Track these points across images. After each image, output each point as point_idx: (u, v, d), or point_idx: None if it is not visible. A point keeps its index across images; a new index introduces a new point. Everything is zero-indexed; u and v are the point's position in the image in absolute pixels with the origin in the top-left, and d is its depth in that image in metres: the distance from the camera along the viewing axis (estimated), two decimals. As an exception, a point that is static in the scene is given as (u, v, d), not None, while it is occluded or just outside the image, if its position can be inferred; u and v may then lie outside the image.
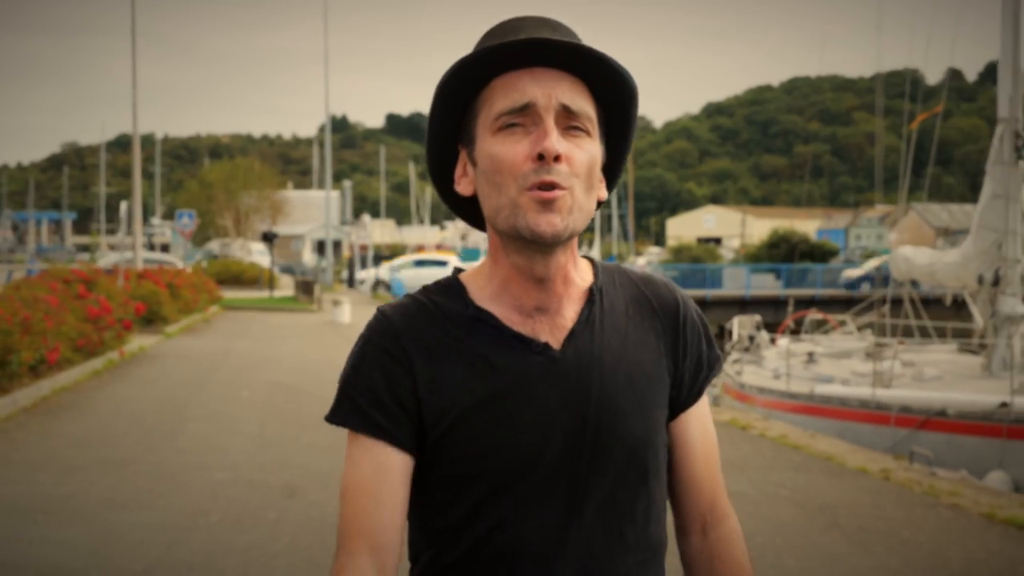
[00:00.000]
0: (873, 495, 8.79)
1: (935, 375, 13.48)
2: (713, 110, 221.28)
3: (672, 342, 1.75)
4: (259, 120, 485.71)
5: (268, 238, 42.64)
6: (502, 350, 1.65)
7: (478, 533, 1.64)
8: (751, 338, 18.64)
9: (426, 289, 1.75)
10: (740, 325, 19.12)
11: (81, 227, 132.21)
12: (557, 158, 1.57)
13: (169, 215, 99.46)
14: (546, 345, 1.66)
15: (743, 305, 42.71)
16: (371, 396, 1.65)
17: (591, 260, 1.79)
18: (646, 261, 75.88)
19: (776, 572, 6.31)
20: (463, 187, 1.71)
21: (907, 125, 17.37)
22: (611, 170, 1.74)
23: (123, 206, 28.15)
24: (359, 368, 1.67)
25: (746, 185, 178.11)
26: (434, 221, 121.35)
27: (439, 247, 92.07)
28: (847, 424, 12.79)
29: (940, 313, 19.19)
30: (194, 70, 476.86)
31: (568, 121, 1.61)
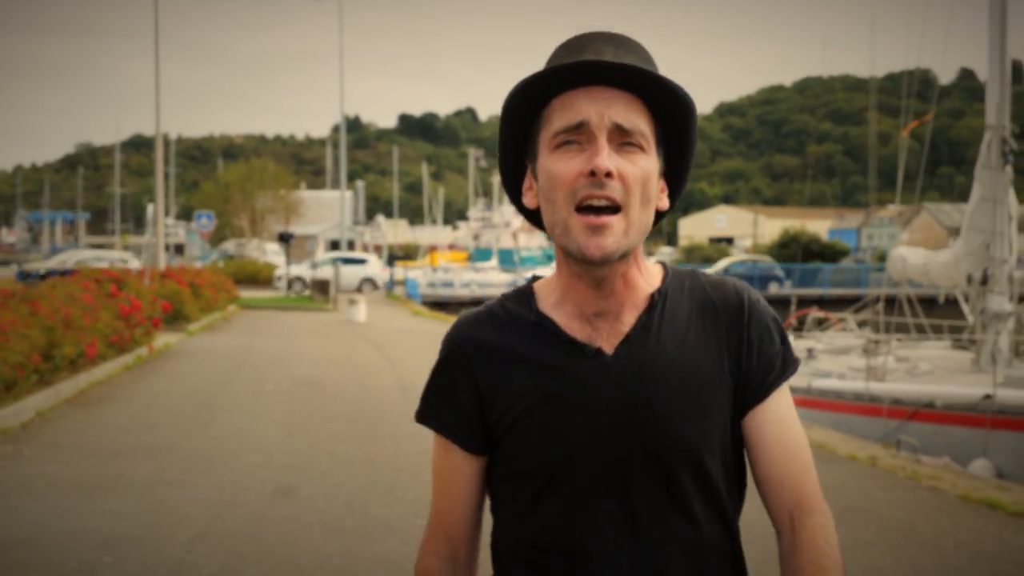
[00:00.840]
0: (859, 479, 9.46)
1: (927, 370, 14.15)
2: (725, 110, 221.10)
3: (736, 342, 1.78)
4: (272, 120, 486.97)
5: (284, 239, 43.37)
6: (557, 354, 1.75)
7: (535, 527, 1.75)
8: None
9: (504, 295, 1.88)
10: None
11: (95, 227, 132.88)
12: (609, 174, 1.65)
13: (183, 215, 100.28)
14: (599, 350, 1.74)
15: (784, 305, 43.24)
16: (442, 399, 1.84)
17: (664, 265, 1.85)
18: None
19: (760, 543, 6.98)
20: (528, 200, 1.80)
21: (902, 130, 17.91)
22: (675, 181, 1.81)
23: (150, 208, 28.83)
24: (437, 371, 1.85)
25: (758, 185, 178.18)
26: (447, 221, 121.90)
27: (452, 247, 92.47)
28: (842, 416, 13.45)
29: (937, 312, 19.84)
30: (207, 70, 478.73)
31: (622, 138, 1.68)
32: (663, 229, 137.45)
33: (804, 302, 31.53)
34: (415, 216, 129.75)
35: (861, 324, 19.36)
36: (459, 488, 1.83)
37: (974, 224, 14.02)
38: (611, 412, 1.71)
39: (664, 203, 1.78)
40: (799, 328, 20.23)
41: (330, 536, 6.75)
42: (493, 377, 1.77)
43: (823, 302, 39.73)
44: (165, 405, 12.22)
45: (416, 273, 53.63)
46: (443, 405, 1.83)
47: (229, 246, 69.17)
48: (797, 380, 15.03)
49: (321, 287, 38.37)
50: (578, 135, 1.67)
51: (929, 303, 20.84)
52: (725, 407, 1.75)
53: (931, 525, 7.79)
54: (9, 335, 10.66)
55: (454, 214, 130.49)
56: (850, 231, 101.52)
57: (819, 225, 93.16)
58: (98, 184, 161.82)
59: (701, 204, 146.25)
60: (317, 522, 7.10)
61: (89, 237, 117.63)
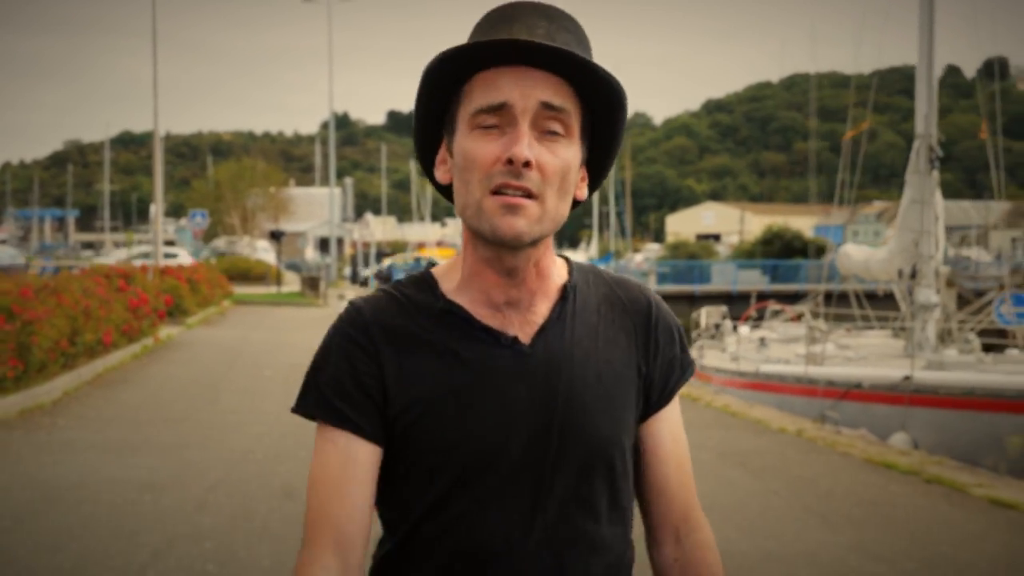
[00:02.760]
0: (782, 446, 10.93)
1: (862, 355, 15.67)
2: (713, 107, 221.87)
3: (643, 342, 1.75)
4: (260, 117, 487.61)
5: (276, 236, 44.80)
6: (471, 343, 1.65)
7: (440, 526, 1.64)
8: (716, 326, 20.82)
9: (398, 283, 1.75)
10: (707, 315, 21.30)
11: (84, 224, 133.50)
12: (527, 164, 1.56)
13: (173, 212, 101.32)
14: (515, 339, 1.66)
15: (730, 299, 44.73)
16: (337, 386, 1.65)
17: (567, 259, 1.79)
18: (643, 258, 77.48)
19: (728, 506, 8.42)
20: (441, 174, 1.70)
21: (846, 135, 19.41)
22: (596, 170, 1.73)
23: (152, 208, 30.09)
24: (327, 358, 1.68)
25: (745, 182, 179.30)
26: (435, 218, 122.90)
27: (440, 244, 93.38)
28: (784, 397, 14.94)
29: (884, 305, 21.36)
30: (196, 67, 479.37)
31: (546, 122, 1.59)
32: (650, 225, 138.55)
33: (783, 297, 32.98)
34: (404, 213, 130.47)
35: (816, 316, 20.86)
36: (357, 484, 1.64)
37: (905, 224, 15.53)
38: (529, 406, 1.64)
39: (583, 193, 1.70)
40: (759, 319, 21.72)
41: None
42: (400, 365, 1.65)
43: (798, 297, 41.25)
44: (175, 387, 13.65)
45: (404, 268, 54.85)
46: (338, 394, 1.66)
47: (220, 243, 70.54)
48: (747, 365, 16.54)
49: (311, 283, 39.81)
50: (498, 117, 1.59)
51: (886, 297, 22.30)
52: (632, 406, 1.73)
53: (831, 480, 9.27)
54: (43, 323, 12.10)
55: (443, 211, 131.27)
56: (837, 227, 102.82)
57: (805, 222, 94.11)
58: (87, 181, 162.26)
59: (688, 201, 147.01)
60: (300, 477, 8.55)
61: (78, 234, 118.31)
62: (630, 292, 1.79)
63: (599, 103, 1.64)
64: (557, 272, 1.74)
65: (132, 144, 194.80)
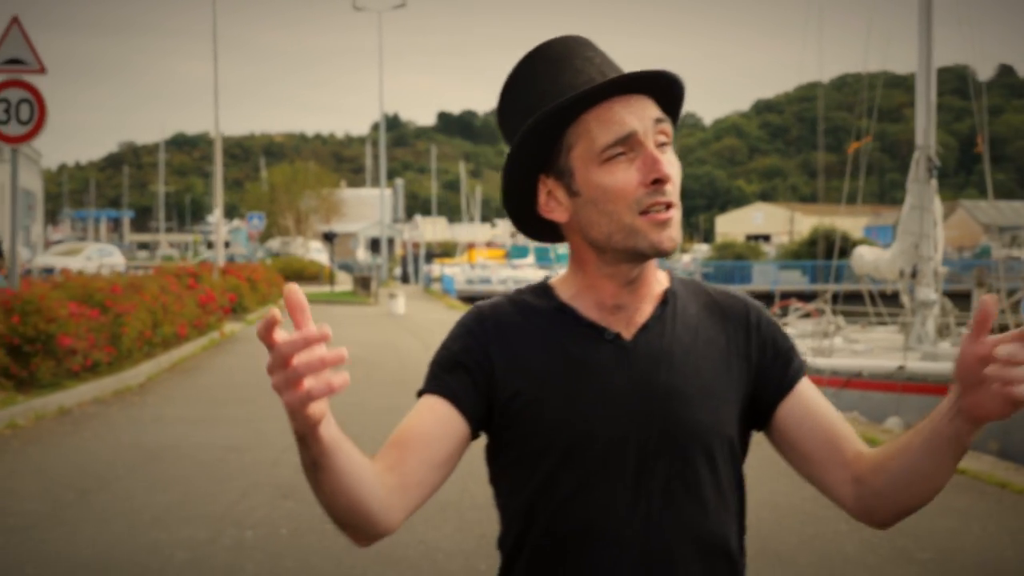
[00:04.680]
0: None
1: (867, 348, 17.07)
2: (763, 107, 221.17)
3: (744, 342, 1.85)
4: (312, 118, 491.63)
5: (329, 238, 46.54)
6: (577, 338, 1.79)
7: (549, 506, 1.76)
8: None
9: (519, 290, 1.90)
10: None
11: (139, 225, 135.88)
12: (669, 180, 1.73)
13: (226, 214, 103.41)
14: (618, 335, 1.79)
15: (769, 299, 45.96)
16: (446, 364, 1.81)
17: (668, 271, 1.92)
18: (691, 258, 78.47)
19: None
20: (558, 215, 1.81)
21: (851, 145, 20.74)
22: None
23: (216, 213, 31.84)
24: (445, 345, 1.85)
25: (796, 182, 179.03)
26: (485, 219, 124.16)
27: (489, 244, 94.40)
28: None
29: (897, 302, 22.71)
30: (247, 69, 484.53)
31: (658, 136, 1.75)
32: (700, 226, 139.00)
33: (808, 296, 34.18)
34: (453, 214, 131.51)
35: (835, 313, 22.21)
36: (436, 438, 1.76)
37: (906, 228, 16.91)
38: (629, 395, 1.75)
39: None
40: (782, 316, 23.11)
41: (379, 447, 9.78)
42: (511, 356, 1.79)
43: (835, 297, 42.36)
44: (243, 373, 15.31)
45: (454, 270, 56.33)
46: (447, 370, 1.81)
47: (274, 244, 72.57)
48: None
49: (363, 283, 41.56)
50: (625, 146, 1.72)
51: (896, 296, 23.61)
52: (733, 402, 1.81)
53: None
54: (130, 316, 13.83)
55: (492, 212, 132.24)
56: (886, 227, 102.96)
57: (854, 222, 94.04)
58: (141, 182, 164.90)
59: (738, 201, 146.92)
60: (369, 439, 10.11)
61: (133, 235, 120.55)
62: (729, 299, 1.90)
63: (671, 106, 1.82)
64: (659, 280, 1.87)
65: (185, 145, 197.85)
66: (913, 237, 16.73)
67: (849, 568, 6.61)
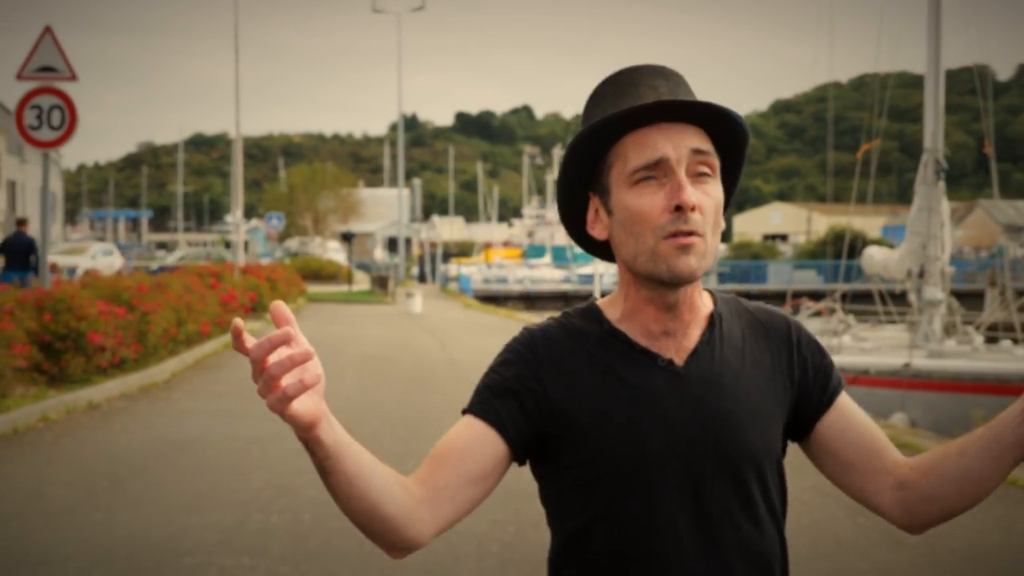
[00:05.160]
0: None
1: (875, 346, 17.40)
2: (781, 107, 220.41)
3: (787, 359, 1.89)
4: (330, 119, 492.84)
5: (347, 238, 46.96)
6: (631, 364, 1.82)
7: (611, 532, 1.79)
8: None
9: (567, 312, 1.93)
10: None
11: (158, 225, 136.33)
12: (692, 208, 1.74)
13: (245, 213, 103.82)
14: (670, 361, 1.82)
15: (782, 298, 46.18)
16: (499, 389, 1.82)
17: (711, 292, 1.94)
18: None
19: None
20: (598, 232, 1.87)
21: (860, 149, 21.05)
22: (726, 200, 1.89)
23: (236, 213, 32.30)
24: (495, 368, 1.86)
25: (813, 182, 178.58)
26: (502, 218, 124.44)
27: (507, 244, 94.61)
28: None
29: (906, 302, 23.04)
30: (265, 69, 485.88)
31: (697, 167, 1.78)
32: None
33: (819, 296, 34.41)
34: (471, 213, 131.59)
35: (848, 313, 22.52)
36: (473, 458, 1.79)
37: (914, 228, 17.27)
38: (685, 420, 1.79)
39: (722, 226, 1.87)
40: (794, 314, 23.48)
41: (396, 443, 10.17)
42: (565, 381, 1.81)
43: (847, 297, 42.60)
44: (264, 371, 15.73)
45: (471, 269, 56.61)
46: (496, 394, 1.82)
47: (292, 244, 73.11)
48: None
49: (380, 282, 41.97)
50: (656, 171, 1.76)
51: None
52: (779, 419, 1.87)
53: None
54: (156, 314, 14.27)
55: (509, 211, 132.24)
56: (903, 228, 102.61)
57: (873, 222, 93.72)
58: (160, 182, 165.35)
59: (756, 201, 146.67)
60: (387, 435, 10.53)
61: (151, 235, 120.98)
62: (770, 317, 1.95)
63: (727, 142, 1.84)
64: (704, 303, 1.90)
65: (204, 146, 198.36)
66: (921, 238, 17.07)
67: (841, 552, 6.97)
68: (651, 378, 1.81)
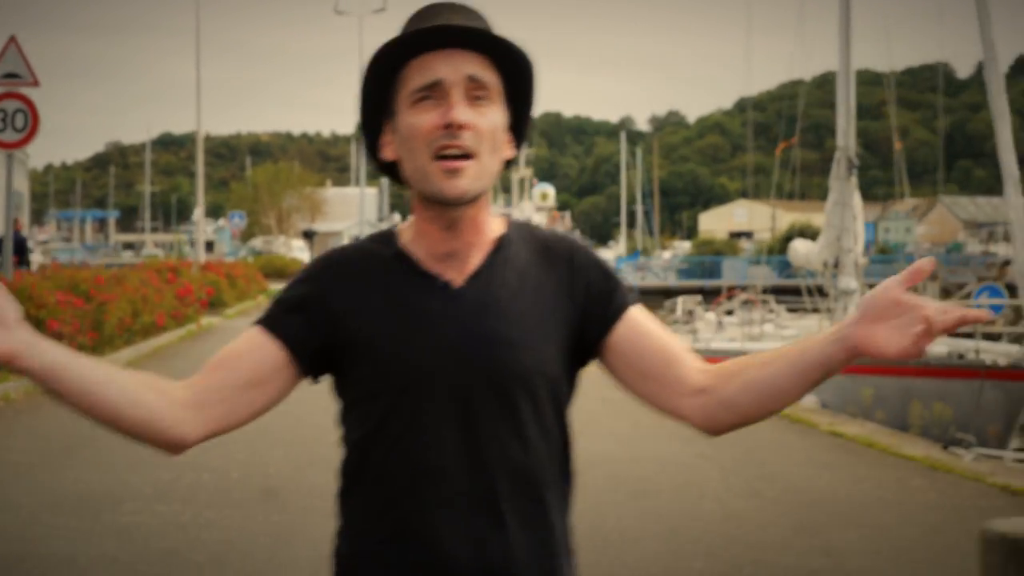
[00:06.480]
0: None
1: (795, 334, 18.53)
2: (745, 105, 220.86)
3: (569, 283, 1.95)
4: (298, 117, 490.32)
5: (308, 235, 47.74)
6: (411, 285, 1.90)
7: (384, 445, 1.89)
8: (690, 312, 23.68)
9: (370, 236, 2.02)
10: (683, 303, 24.20)
11: (125, 225, 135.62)
12: (461, 126, 1.83)
13: (212, 213, 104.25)
14: (448, 283, 1.90)
15: (718, 291, 47.33)
16: (288, 305, 1.94)
17: (506, 216, 2.03)
18: (671, 255, 79.69)
19: (609, 429, 11.18)
20: (387, 152, 1.95)
21: (777, 148, 22.18)
22: (518, 131, 1.99)
23: (198, 211, 33.12)
24: (290, 286, 1.97)
25: (778, 179, 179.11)
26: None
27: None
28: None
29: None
30: (233, 68, 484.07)
31: (474, 91, 1.86)
32: (683, 223, 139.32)
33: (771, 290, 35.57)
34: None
35: (780, 303, 23.65)
36: (246, 364, 1.90)
37: (829, 222, 18.40)
38: (458, 341, 1.86)
39: (511, 152, 1.96)
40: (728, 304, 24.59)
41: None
42: (350, 300, 1.90)
43: (798, 291, 43.80)
44: (216, 359, 16.69)
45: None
46: (287, 315, 1.92)
47: (257, 242, 73.74)
48: (702, 344, 19.42)
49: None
50: (433, 91, 1.85)
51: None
52: (558, 341, 1.92)
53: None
54: (112, 305, 15.24)
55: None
56: (867, 224, 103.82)
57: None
58: (128, 182, 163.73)
59: (721, 199, 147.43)
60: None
61: (119, 235, 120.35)
62: (557, 242, 2.00)
63: (515, 73, 1.93)
64: (494, 227, 1.96)
65: (172, 145, 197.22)
66: (836, 231, 18.18)
67: (704, 502, 7.97)
68: (428, 299, 1.89)
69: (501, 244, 1.95)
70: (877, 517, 7.59)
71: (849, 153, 18.08)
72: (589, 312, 1.96)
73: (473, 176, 1.86)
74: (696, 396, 1.92)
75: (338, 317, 1.90)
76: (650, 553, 6.59)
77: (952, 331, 1.74)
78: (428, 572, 1.85)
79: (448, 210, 1.88)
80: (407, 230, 1.97)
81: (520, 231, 2.00)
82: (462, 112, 1.84)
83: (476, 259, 1.93)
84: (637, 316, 1.98)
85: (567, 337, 1.94)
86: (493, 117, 1.89)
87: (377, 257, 1.95)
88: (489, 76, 1.90)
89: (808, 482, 8.80)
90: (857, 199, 18.21)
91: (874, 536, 7.06)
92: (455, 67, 1.86)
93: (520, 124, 1.99)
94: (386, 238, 1.98)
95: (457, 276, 1.91)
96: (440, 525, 1.84)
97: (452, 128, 1.83)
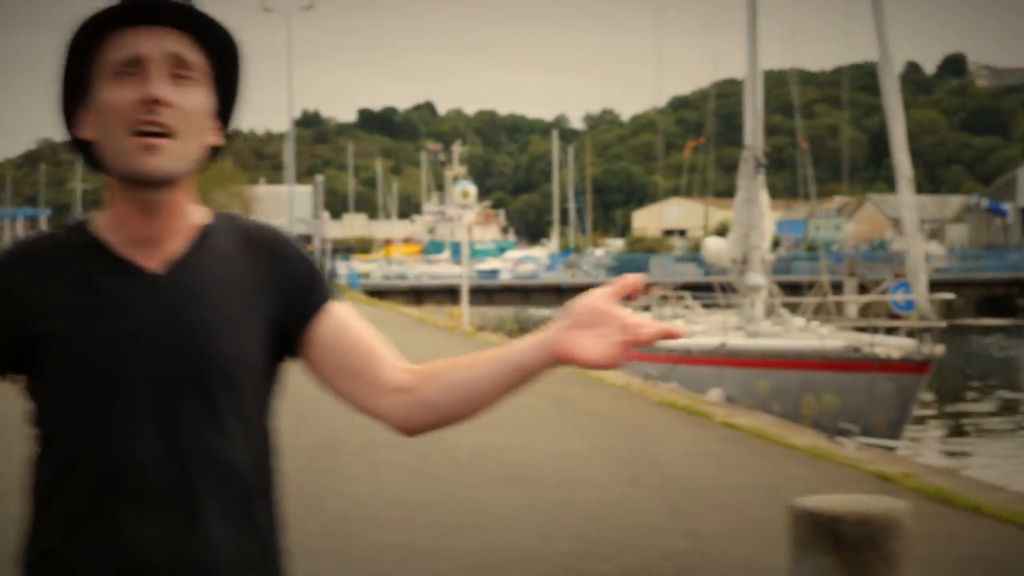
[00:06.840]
0: (602, 393, 14.02)
1: (705, 329, 18.96)
2: (679, 103, 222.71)
3: (270, 274, 1.90)
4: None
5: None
6: (106, 274, 1.81)
7: (78, 441, 1.77)
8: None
9: (56, 225, 1.95)
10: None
11: (57, 223, 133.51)
12: (158, 101, 1.75)
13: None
14: (145, 269, 1.82)
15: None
16: None
17: (213, 210, 1.95)
18: (604, 253, 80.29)
19: (506, 422, 11.45)
20: (86, 132, 1.85)
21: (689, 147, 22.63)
22: (225, 117, 1.92)
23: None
24: None
25: (710, 177, 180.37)
26: (404, 215, 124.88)
27: (407, 240, 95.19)
28: (638, 364, 18.15)
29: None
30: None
31: (177, 70, 1.79)
32: (617, 221, 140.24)
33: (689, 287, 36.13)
34: (373, 211, 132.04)
35: (694, 299, 24.13)
36: None
37: (738, 219, 18.88)
38: (155, 329, 1.79)
39: (217, 139, 1.89)
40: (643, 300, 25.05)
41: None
42: (39, 296, 1.80)
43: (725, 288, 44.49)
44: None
45: (371, 266, 57.54)
46: None
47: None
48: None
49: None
50: (132, 68, 1.78)
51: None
52: (260, 331, 1.87)
53: (615, 409, 12.47)
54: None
55: (412, 208, 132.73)
56: (797, 222, 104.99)
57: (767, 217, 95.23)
58: (60, 180, 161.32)
59: (654, 197, 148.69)
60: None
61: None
62: (262, 232, 1.94)
63: (222, 55, 1.88)
64: (197, 216, 1.89)
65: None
66: (744, 228, 18.65)
67: (585, 490, 8.28)
68: (124, 287, 1.81)
69: (205, 233, 1.88)
70: (747, 503, 7.94)
71: (756, 152, 18.55)
72: (290, 305, 1.90)
73: (172, 155, 1.77)
74: (396, 395, 1.90)
75: (27, 314, 1.79)
76: (522, 537, 6.89)
77: (650, 344, 1.79)
78: (123, 574, 1.76)
79: (146, 191, 1.79)
80: (102, 217, 1.88)
81: (226, 222, 1.93)
82: (162, 88, 1.77)
83: (176, 246, 1.84)
84: (339, 311, 1.94)
85: (269, 330, 1.89)
86: (198, 99, 1.82)
87: (68, 246, 1.85)
88: (194, 57, 1.83)
89: (690, 471, 9.16)
90: (764, 197, 18.70)
91: (740, 520, 7.41)
92: (157, 43, 1.79)
93: (227, 112, 1.93)
94: (79, 226, 1.89)
95: (155, 262, 1.82)
96: (136, 524, 1.76)
97: (150, 103, 1.76)
